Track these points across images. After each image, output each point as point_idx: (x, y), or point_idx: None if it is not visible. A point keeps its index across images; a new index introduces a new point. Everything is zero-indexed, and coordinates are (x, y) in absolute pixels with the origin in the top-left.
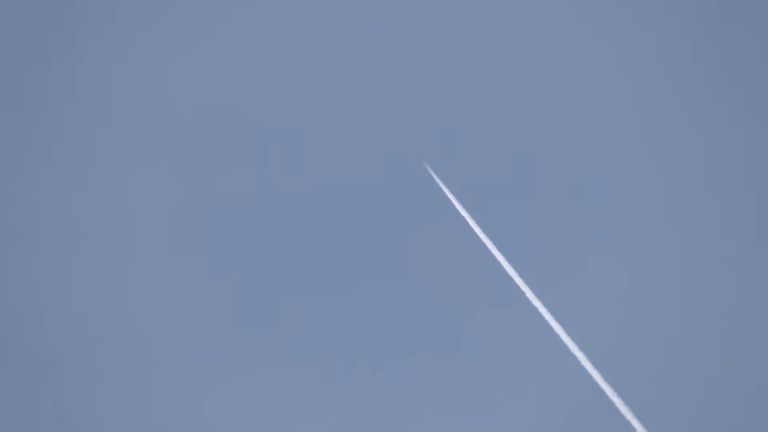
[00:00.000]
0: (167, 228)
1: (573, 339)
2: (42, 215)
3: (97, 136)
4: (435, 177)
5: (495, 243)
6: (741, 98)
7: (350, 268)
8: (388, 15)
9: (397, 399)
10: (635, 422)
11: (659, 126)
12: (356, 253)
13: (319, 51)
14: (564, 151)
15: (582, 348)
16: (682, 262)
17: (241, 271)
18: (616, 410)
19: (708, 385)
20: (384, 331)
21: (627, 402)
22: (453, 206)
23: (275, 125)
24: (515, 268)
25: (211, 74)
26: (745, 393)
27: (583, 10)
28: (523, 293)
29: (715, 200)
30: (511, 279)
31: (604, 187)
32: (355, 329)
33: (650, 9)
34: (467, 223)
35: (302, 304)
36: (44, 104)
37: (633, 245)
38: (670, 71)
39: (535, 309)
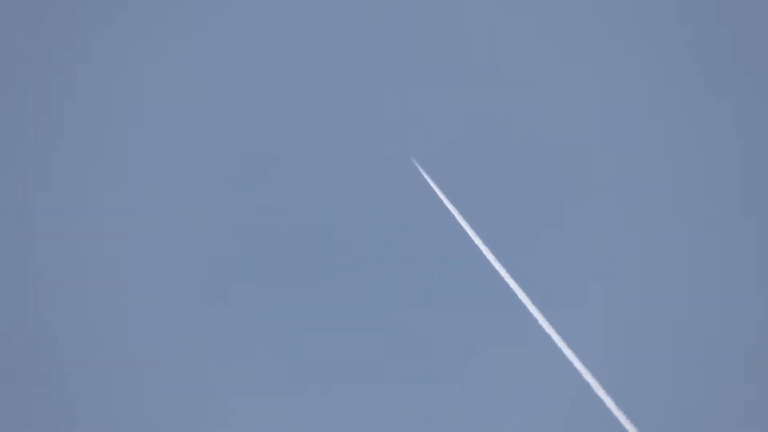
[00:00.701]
0: (168, 248)
1: (573, 349)
2: (41, 239)
3: (95, 152)
4: (437, 189)
5: (509, 270)
6: (741, 98)
7: (353, 289)
8: (387, 15)
9: (396, 420)
10: None
11: (659, 128)
12: (360, 273)
13: (315, 52)
14: (562, 153)
15: (576, 352)
16: (686, 274)
17: (239, 292)
18: None
19: (717, 411)
20: (385, 349)
21: (640, 428)
22: (454, 218)
23: (269, 128)
24: (514, 277)
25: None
26: (746, 396)
27: (583, 10)
28: (517, 297)
29: (717, 207)
30: (509, 286)
31: (605, 188)
32: (356, 349)
33: (650, 9)
34: (470, 238)
35: (303, 325)
36: (42, 108)
37: (636, 246)
38: (669, 72)
39: (535, 320)
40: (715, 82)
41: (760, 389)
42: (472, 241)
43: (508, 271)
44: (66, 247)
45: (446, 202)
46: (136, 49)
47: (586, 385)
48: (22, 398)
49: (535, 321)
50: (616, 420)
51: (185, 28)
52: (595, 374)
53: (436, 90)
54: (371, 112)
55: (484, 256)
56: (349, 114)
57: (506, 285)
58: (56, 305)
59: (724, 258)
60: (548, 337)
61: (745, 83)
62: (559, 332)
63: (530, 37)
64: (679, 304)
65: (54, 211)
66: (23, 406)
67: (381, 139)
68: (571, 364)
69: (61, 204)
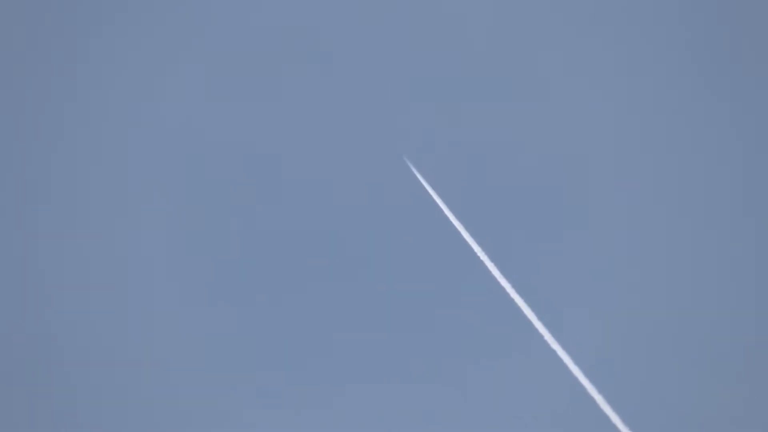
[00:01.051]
0: (169, 248)
1: (569, 350)
2: (42, 252)
3: (95, 152)
4: (431, 190)
5: (504, 273)
6: (741, 98)
7: (352, 290)
8: (383, 15)
9: (396, 421)
10: None
11: (659, 128)
12: (359, 275)
13: (313, 51)
14: (561, 152)
15: (573, 357)
16: (686, 275)
17: (239, 293)
18: None
19: (719, 416)
20: (383, 351)
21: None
22: (449, 219)
23: (268, 128)
24: (510, 280)
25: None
26: (747, 397)
27: (582, 10)
28: (513, 299)
29: (717, 207)
30: (505, 289)
31: (604, 192)
32: (355, 350)
33: (650, 10)
34: (466, 241)
35: (302, 325)
36: (42, 108)
37: (638, 249)
38: (669, 72)
39: (531, 323)
40: (715, 82)
41: (761, 391)
42: (468, 244)
43: (503, 273)
44: (66, 247)
45: (439, 201)
46: (136, 49)
47: (585, 388)
48: (22, 398)
49: (531, 323)
50: (614, 422)
51: (185, 29)
52: (596, 375)
53: (433, 90)
54: (367, 112)
55: (480, 260)
56: (345, 114)
57: (502, 287)
58: (56, 305)
59: (725, 258)
60: (546, 339)
61: (745, 83)
62: (558, 334)
63: (528, 37)
64: (679, 306)
65: (54, 210)
66: (23, 406)
67: (376, 140)
68: (567, 367)
69: (61, 204)
